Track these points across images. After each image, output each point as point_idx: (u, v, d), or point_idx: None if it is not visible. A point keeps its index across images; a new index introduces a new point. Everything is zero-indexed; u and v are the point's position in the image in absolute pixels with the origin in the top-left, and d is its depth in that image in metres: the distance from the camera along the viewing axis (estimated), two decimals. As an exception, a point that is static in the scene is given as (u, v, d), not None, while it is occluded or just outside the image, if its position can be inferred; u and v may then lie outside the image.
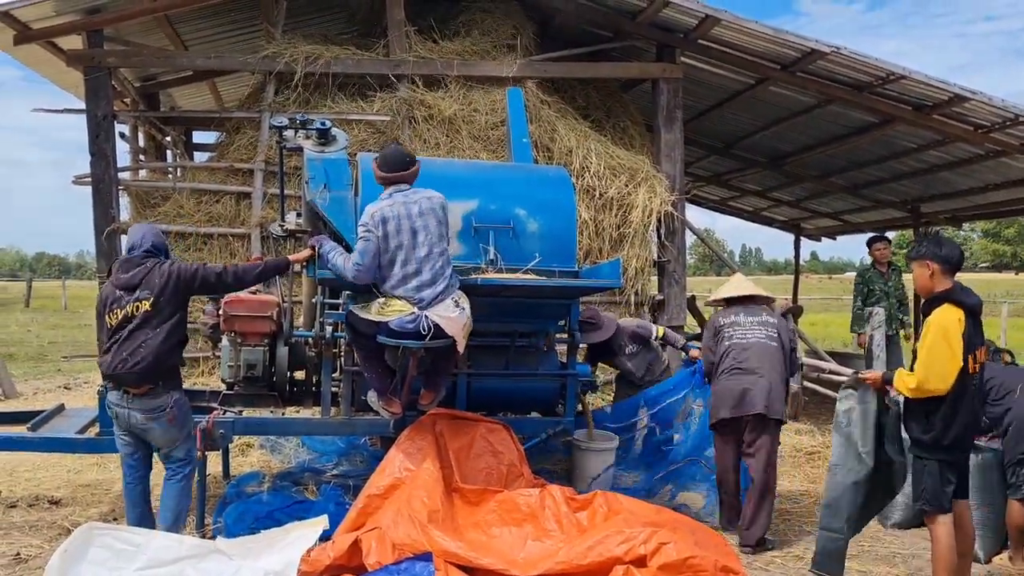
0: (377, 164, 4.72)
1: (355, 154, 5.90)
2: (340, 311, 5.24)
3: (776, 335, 5.48)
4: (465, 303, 4.66)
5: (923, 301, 4.30)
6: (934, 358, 4.03)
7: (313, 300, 5.63)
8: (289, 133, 5.34)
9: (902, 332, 9.50)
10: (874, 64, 7.77)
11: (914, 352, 4.24)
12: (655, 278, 9.07)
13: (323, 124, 5.29)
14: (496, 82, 8.62)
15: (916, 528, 5.42)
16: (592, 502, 4.56)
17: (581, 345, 6.68)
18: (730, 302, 5.71)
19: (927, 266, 4.22)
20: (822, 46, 7.68)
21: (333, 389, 5.73)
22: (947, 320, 4.06)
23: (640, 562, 3.96)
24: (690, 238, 10.71)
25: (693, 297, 10.96)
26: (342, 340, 5.44)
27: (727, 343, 5.45)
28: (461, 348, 4.75)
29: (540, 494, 4.59)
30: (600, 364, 7.12)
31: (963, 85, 7.80)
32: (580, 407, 6.27)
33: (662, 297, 8.83)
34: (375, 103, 8.44)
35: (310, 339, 5.65)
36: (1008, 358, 5.48)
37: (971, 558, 4.46)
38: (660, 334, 6.80)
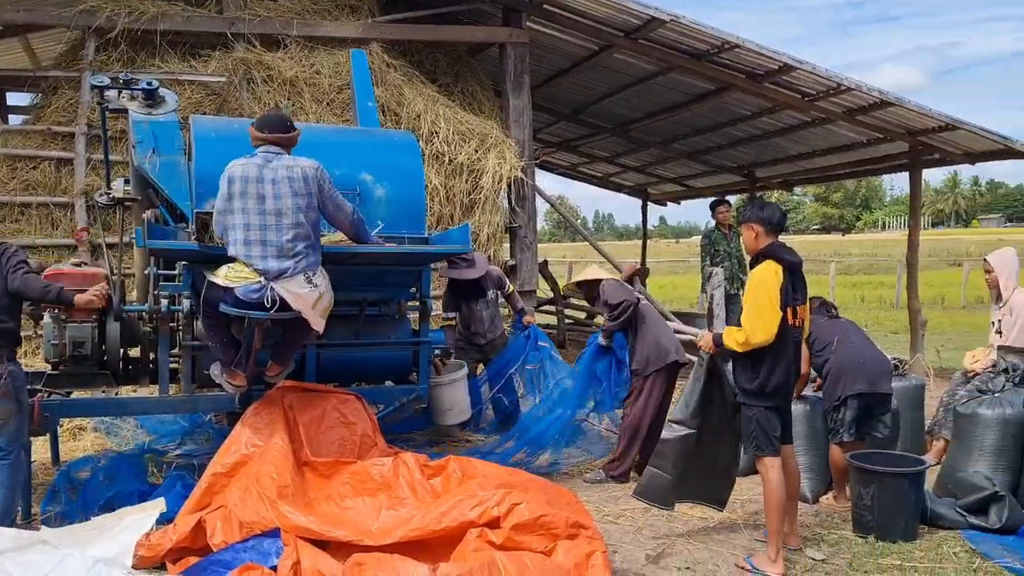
0: (254, 126, 4.53)
1: (188, 116, 5.59)
2: (176, 282, 4.98)
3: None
4: (320, 280, 4.51)
5: (750, 259, 4.54)
6: (757, 311, 4.26)
7: (146, 272, 5.31)
8: (112, 93, 5.00)
9: (742, 291, 10.00)
10: (710, 33, 8.05)
11: (740, 309, 4.46)
12: (507, 244, 9.13)
13: (149, 84, 4.99)
14: (339, 44, 8.35)
15: (753, 475, 5.73)
16: (446, 467, 4.57)
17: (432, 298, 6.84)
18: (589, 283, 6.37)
19: (752, 228, 4.47)
20: (662, 14, 7.88)
21: (172, 365, 5.44)
22: (766, 274, 4.31)
23: (494, 524, 3.99)
24: (545, 204, 10.87)
25: (545, 262, 11.13)
26: (179, 313, 5.16)
27: (649, 309, 6.21)
28: (316, 325, 4.60)
29: (393, 462, 4.56)
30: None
31: (792, 55, 8.21)
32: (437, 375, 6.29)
33: (514, 262, 8.90)
34: (210, 63, 8.00)
35: (144, 313, 5.33)
36: (833, 312, 5.85)
37: (797, 499, 4.77)
38: (511, 290, 7.12)
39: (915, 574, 4.25)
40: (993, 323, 5.98)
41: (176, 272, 5.05)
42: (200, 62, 8.06)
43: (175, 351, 5.44)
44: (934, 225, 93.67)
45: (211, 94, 7.94)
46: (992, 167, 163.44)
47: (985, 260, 6.01)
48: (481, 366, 7.13)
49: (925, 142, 9.31)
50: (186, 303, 4.90)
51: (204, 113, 7.61)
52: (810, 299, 5.83)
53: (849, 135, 10.13)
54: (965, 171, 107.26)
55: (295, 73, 8.02)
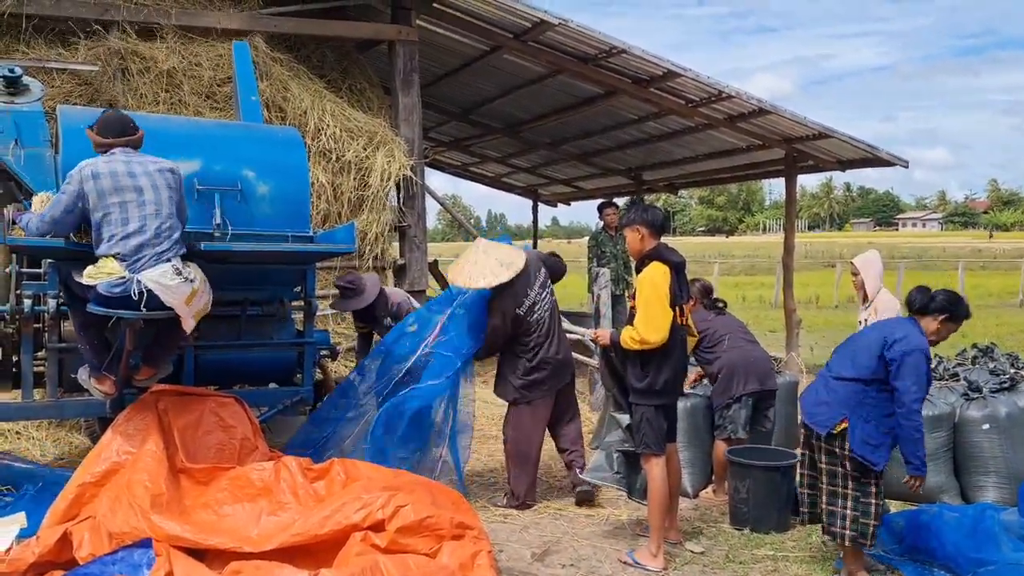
0: (95, 130, 4.34)
1: (55, 107, 5.31)
2: (42, 281, 4.72)
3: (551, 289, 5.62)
4: (195, 274, 4.35)
5: (636, 261, 4.64)
6: (650, 312, 4.36)
7: (7, 270, 5.02)
8: (-30, 81, 4.69)
9: (627, 292, 10.22)
10: (597, 37, 8.19)
11: (631, 309, 4.55)
12: (397, 243, 9.04)
13: (12, 71, 4.73)
14: (220, 35, 8.07)
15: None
16: (329, 471, 4.49)
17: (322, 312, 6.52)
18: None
19: (637, 231, 4.57)
20: (550, 17, 7.97)
21: (38, 369, 5.15)
22: (655, 275, 4.42)
23: (378, 527, 3.94)
24: (437, 203, 10.80)
25: (435, 261, 11.09)
26: (45, 314, 4.89)
27: (536, 328, 5.42)
28: (187, 325, 4.43)
29: (275, 467, 4.44)
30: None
31: (676, 61, 8.43)
32: (322, 375, 6.15)
33: (404, 262, 8.83)
34: (80, 51, 7.59)
35: (6, 314, 5.02)
36: (719, 305, 6.00)
37: (679, 494, 4.91)
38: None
39: (786, 563, 4.44)
40: (860, 322, 6.28)
41: (41, 271, 4.79)
42: (70, 50, 7.64)
43: (40, 354, 5.16)
44: (810, 228, 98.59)
45: (81, 84, 7.53)
46: (863, 174, 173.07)
47: (852, 263, 6.32)
48: None
49: (800, 149, 9.73)
50: (52, 303, 4.66)
51: (74, 104, 7.22)
52: (691, 281, 5.52)
53: (730, 141, 10.49)
54: (838, 177, 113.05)
55: (172, 64, 7.69)
